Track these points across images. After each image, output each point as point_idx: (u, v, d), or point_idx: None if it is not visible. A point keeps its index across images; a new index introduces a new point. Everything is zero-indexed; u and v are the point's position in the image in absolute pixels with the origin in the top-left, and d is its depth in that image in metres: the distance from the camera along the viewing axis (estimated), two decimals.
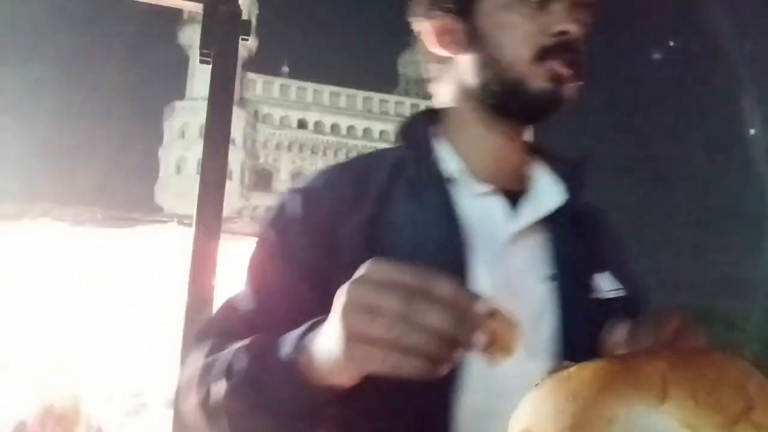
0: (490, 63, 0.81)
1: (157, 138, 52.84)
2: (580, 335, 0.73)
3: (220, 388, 0.65)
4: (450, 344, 0.47)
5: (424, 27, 0.87)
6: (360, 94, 51.58)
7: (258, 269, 0.80)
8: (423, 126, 0.87)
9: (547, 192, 0.82)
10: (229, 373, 0.64)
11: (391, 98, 54.04)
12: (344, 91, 50.43)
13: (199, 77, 44.79)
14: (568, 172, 0.84)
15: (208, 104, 2.32)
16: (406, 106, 53.37)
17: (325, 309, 0.59)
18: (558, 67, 0.78)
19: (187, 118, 47.69)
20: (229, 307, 0.79)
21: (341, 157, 49.10)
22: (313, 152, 49.61)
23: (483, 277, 0.73)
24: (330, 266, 0.73)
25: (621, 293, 0.80)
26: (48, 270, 5.11)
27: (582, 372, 0.42)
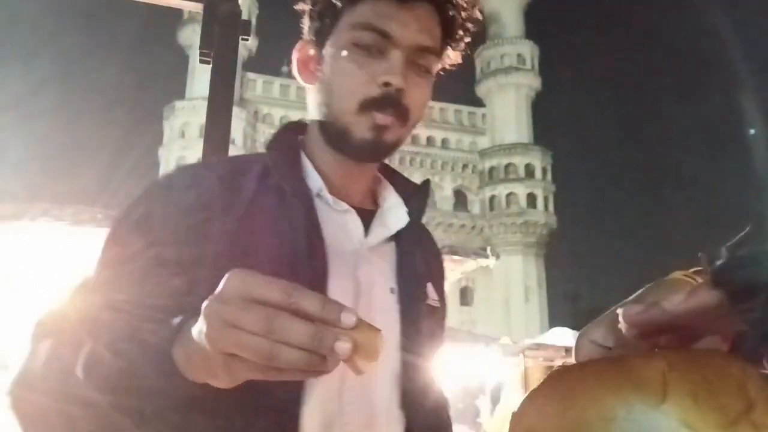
0: (325, 104, 0.86)
1: (157, 137, 52.93)
2: (417, 342, 0.84)
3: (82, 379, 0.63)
4: (317, 357, 0.49)
5: (296, 50, 0.91)
6: None
7: (115, 260, 0.78)
8: (291, 138, 0.92)
9: (394, 213, 0.91)
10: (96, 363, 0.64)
11: None
12: None
13: (199, 77, 44.82)
14: (411, 196, 0.94)
15: (208, 104, 2.32)
16: None
17: (194, 300, 0.63)
18: (378, 118, 0.82)
19: (187, 117, 47.77)
20: (83, 298, 0.77)
21: None
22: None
23: (338, 288, 0.79)
24: (195, 263, 0.75)
25: (437, 304, 0.92)
26: (48, 270, 5.10)
27: (582, 372, 0.43)
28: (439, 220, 50.66)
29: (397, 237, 0.90)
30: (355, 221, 0.87)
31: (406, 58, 0.83)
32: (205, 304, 0.52)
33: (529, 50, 54.98)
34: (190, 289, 0.73)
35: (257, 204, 0.82)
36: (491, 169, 52.15)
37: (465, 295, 48.57)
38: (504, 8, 55.65)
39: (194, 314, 0.57)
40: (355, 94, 0.82)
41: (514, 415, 0.44)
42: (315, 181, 0.87)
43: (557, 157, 54.03)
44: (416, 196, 0.95)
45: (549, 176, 52.28)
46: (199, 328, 0.53)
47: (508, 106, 53.49)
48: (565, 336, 12.67)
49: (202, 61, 2.41)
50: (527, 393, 0.44)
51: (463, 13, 0.89)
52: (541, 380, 0.44)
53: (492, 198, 51.87)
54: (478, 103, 55.62)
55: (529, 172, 51.32)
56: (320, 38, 0.88)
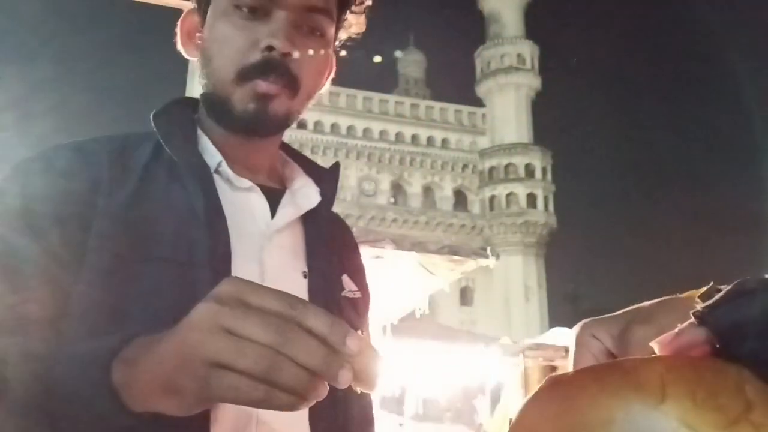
0: (205, 75, 0.79)
1: None
2: None
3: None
4: (319, 380, 0.44)
5: (180, 21, 0.85)
6: (360, 94, 51.62)
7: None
8: (182, 112, 0.84)
9: (304, 193, 0.84)
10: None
11: (391, 98, 54.01)
12: (344, 91, 50.44)
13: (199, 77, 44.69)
14: (321, 178, 0.88)
15: None
16: (406, 106, 53.39)
17: (81, 287, 0.59)
18: (260, 85, 0.74)
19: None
20: None
21: (341, 157, 49.33)
22: (312, 152, 49.61)
23: (242, 270, 0.71)
24: (81, 250, 0.67)
25: (358, 295, 0.86)
26: None
27: (581, 375, 0.43)
28: (439, 220, 50.66)
29: (306, 220, 0.83)
30: (259, 199, 0.80)
31: (292, 19, 0.75)
32: (197, 306, 0.46)
33: (529, 50, 54.95)
34: (75, 280, 0.66)
35: (149, 180, 0.75)
36: (491, 169, 52.12)
37: (465, 295, 48.57)
38: (504, 8, 55.63)
39: (123, 323, 0.53)
40: (234, 60, 0.75)
41: (512, 419, 0.44)
42: (213, 156, 0.79)
43: (557, 157, 54.04)
44: (326, 178, 0.88)
45: (549, 176, 52.26)
46: (182, 334, 0.46)
47: (508, 106, 53.46)
48: (565, 336, 12.66)
49: None
50: (526, 396, 0.43)
51: None
52: (541, 381, 0.44)
53: (492, 198, 51.85)
54: (478, 103, 55.61)
55: (529, 172, 51.30)
56: (201, 5, 0.81)
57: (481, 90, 55.47)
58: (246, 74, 0.75)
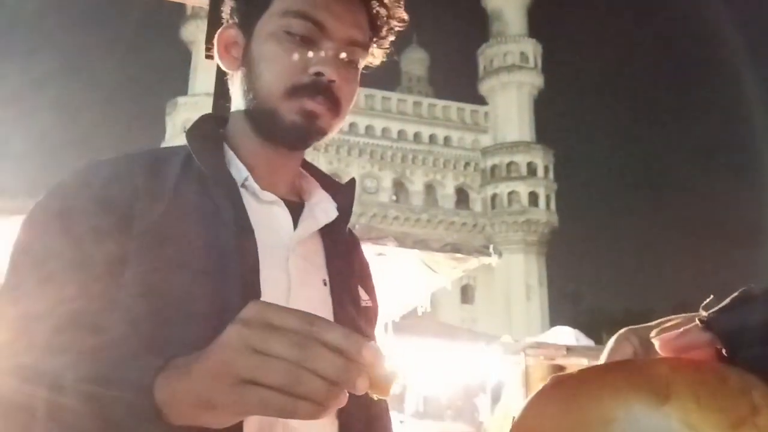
0: (252, 89, 0.84)
1: (160, 133, 52.92)
2: None
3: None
4: (338, 389, 0.48)
5: (218, 35, 0.89)
6: (363, 92, 51.42)
7: (32, 260, 0.73)
8: (212, 129, 0.89)
9: (322, 207, 0.90)
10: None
11: (394, 95, 54.03)
12: None
13: (202, 73, 44.79)
14: (338, 192, 0.93)
15: (214, 100, 2.31)
16: (408, 103, 53.39)
17: (114, 298, 0.65)
18: (308, 104, 0.81)
19: (189, 113, 47.66)
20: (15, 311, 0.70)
21: (343, 154, 49.39)
22: (314, 149, 49.40)
23: (270, 280, 0.77)
24: (119, 261, 0.72)
25: (369, 304, 0.92)
26: None
27: (584, 374, 0.43)
28: (440, 218, 50.65)
29: (324, 233, 0.89)
30: (283, 212, 0.85)
31: (338, 49, 0.82)
32: (228, 327, 0.51)
33: (532, 48, 54.91)
34: (117, 291, 0.70)
35: (181, 194, 0.79)
36: (493, 167, 52.11)
37: (466, 293, 48.60)
38: (507, 6, 55.57)
39: (167, 345, 0.56)
40: (284, 79, 0.81)
41: (515, 418, 0.44)
42: (240, 170, 0.84)
43: (559, 156, 54.06)
44: (342, 193, 0.94)
45: (551, 175, 52.25)
46: (214, 354, 0.52)
47: (510, 104, 53.43)
48: (566, 334, 12.65)
49: (207, 57, 2.39)
50: (528, 396, 0.44)
51: (390, 11, 0.88)
52: (542, 379, 0.45)
53: (494, 196, 51.85)
54: (481, 101, 55.58)
55: (531, 170, 51.29)
56: (247, 23, 0.86)
57: (484, 88, 55.43)
58: (295, 92, 0.81)
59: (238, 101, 0.88)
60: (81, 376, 0.60)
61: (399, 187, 51.44)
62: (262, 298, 0.73)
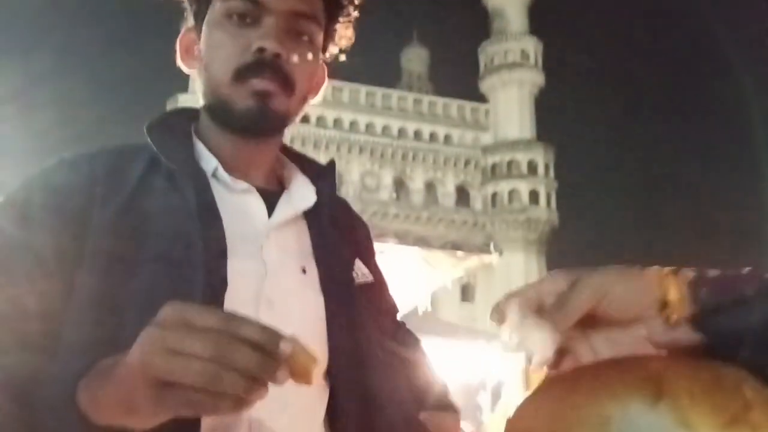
0: (205, 82, 0.85)
1: None
2: (340, 318, 0.81)
3: None
4: (257, 383, 0.49)
5: (178, 41, 0.90)
6: (362, 89, 51.52)
7: None
8: (179, 122, 0.89)
9: (301, 193, 0.88)
10: None
11: (394, 93, 53.93)
12: (347, 86, 50.35)
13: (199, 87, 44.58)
14: (318, 176, 0.91)
15: None
16: (408, 101, 53.31)
17: (72, 299, 0.67)
18: (257, 83, 0.79)
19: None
20: None
21: (344, 152, 49.33)
22: (315, 147, 49.60)
23: (240, 269, 0.76)
24: (74, 259, 0.73)
25: (370, 279, 0.90)
26: None
27: (578, 373, 0.43)
28: (441, 217, 50.63)
29: (310, 218, 0.87)
30: (257, 201, 0.84)
31: (281, 24, 0.80)
32: (143, 332, 0.51)
33: (532, 46, 54.83)
34: (68, 292, 0.72)
35: (144, 188, 0.79)
36: (494, 166, 52.08)
37: (466, 292, 48.58)
38: (508, 4, 55.49)
39: (94, 350, 0.57)
40: (229, 62, 0.80)
41: (510, 417, 0.44)
42: (209, 161, 0.84)
43: (560, 154, 53.98)
44: (323, 175, 0.93)
45: (552, 173, 52.21)
46: (132, 357, 0.52)
47: (511, 102, 53.37)
48: None
49: None
50: (524, 395, 0.44)
51: None
52: (541, 379, 0.44)
53: (494, 194, 51.81)
54: (481, 99, 55.51)
55: (532, 168, 51.25)
56: (198, 20, 0.86)
57: (485, 86, 55.36)
58: (241, 74, 0.79)
59: (201, 96, 0.87)
60: (11, 374, 0.61)
61: (399, 185, 51.39)
62: (230, 288, 0.74)
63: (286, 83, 0.80)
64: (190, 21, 0.88)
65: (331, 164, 0.96)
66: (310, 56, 0.84)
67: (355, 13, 0.90)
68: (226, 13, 0.81)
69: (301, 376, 0.50)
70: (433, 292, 7.96)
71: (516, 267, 49.33)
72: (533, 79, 54.24)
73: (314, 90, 0.90)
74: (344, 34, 0.91)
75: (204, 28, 0.84)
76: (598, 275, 0.49)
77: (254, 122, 0.81)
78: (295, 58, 0.81)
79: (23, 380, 0.61)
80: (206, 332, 0.49)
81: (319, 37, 0.86)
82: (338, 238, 0.89)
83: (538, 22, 59.72)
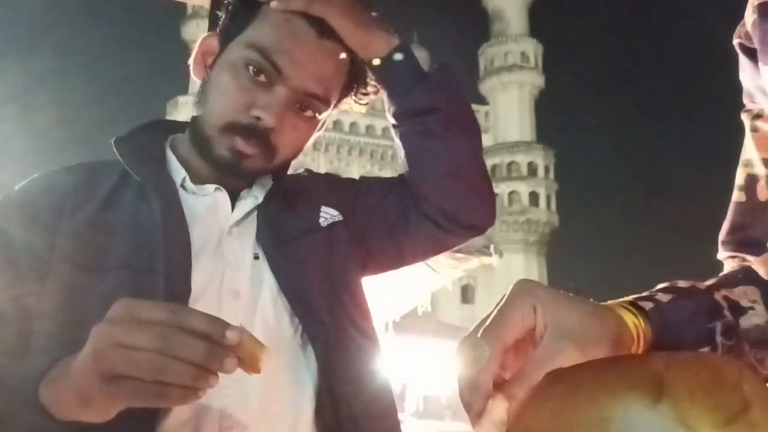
0: (200, 107, 0.85)
1: None
2: (292, 291, 0.82)
3: None
4: (205, 372, 0.50)
5: (201, 39, 0.90)
6: None
7: None
8: (151, 137, 0.91)
9: (260, 183, 0.90)
10: None
11: None
12: None
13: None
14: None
15: None
16: None
17: (41, 304, 0.71)
18: (239, 143, 0.81)
19: (190, 113, 46.48)
20: None
21: (344, 154, 49.31)
22: (314, 148, 49.56)
23: (203, 271, 0.79)
24: (45, 261, 0.76)
25: (338, 218, 0.90)
26: None
27: (579, 372, 0.43)
28: None
29: (264, 206, 0.88)
30: (223, 197, 0.86)
31: (290, 98, 0.81)
32: (94, 328, 0.53)
33: (532, 48, 54.82)
34: (38, 297, 0.75)
35: (113, 201, 0.82)
36: (494, 167, 52.02)
37: (466, 293, 48.58)
38: (508, 6, 55.49)
39: (53, 349, 0.61)
40: (224, 113, 0.81)
41: (509, 415, 0.44)
42: (178, 172, 0.86)
43: (560, 156, 53.97)
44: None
45: (551, 175, 52.19)
46: (85, 353, 0.54)
47: (511, 104, 53.36)
48: None
49: None
50: (524, 394, 0.44)
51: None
52: (540, 379, 0.44)
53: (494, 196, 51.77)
54: (481, 101, 55.49)
55: (532, 170, 51.24)
56: (225, 40, 0.86)
57: (485, 88, 55.34)
58: (231, 129, 0.81)
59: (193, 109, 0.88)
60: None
61: None
62: (194, 290, 0.76)
63: (268, 152, 0.83)
64: (219, 29, 0.88)
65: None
66: (305, 129, 0.86)
67: (372, 96, 0.93)
68: (246, 62, 0.81)
69: (250, 364, 0.51)
70: (433, 294, 7.96)
71: (516, 268, 49.31)
72: (533, 80, 54.22)
73: (302, 148, 0.90)
74: (355, 108, 0.94)
75: (223, 56, 0.85)
76: (557, 333, 0.47)
77: (224, 170, 0.84)
78: (288, 131, 0.83)
79: None
80: (153, 325, 0.50)
81: (325, 113, 0.87)
82: (294, 210, 0.89)
83: (538, 23, 59.82)
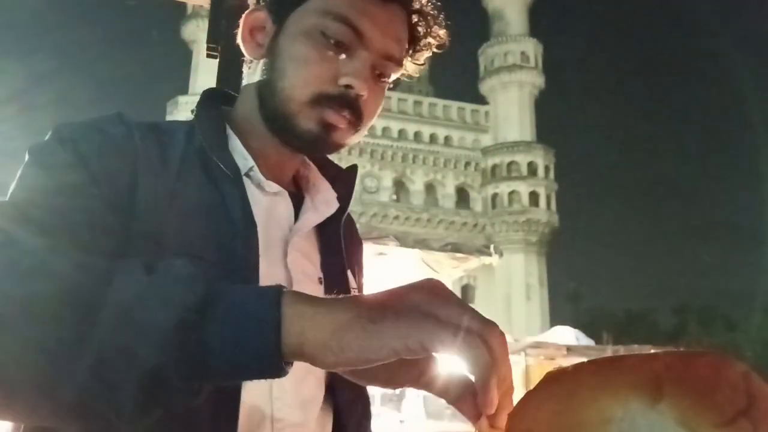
0: (272, 85, 0.79)
1: None
2: None
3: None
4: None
5: (245, 16, 0.84)
6: None
7: (42, 187, 0.69)
8: (217, 112, 0.85)
9: (323, 198, 0.86)
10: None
11: (394, 95, 53.86)
12: None
13: (203, 72, 44.69)
14: (337, 179, 0.90)
15: None
16: (409, 103, 53.32)
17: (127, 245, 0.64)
18: (330, 115, 0.77)
19: (189, 113, 47.48)
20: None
21: (344, 154, 49.21)
22: None
23: (270, 277, 0.74)
24: (126, 219, 0.69)
25: (358, 292, 0.89)
26: None
27: (579, 372, 0.43)
28: (441, 218, 50.62)
29: (320, 225, 0.85)
30: (286, 204, 0.82)
31: (371, 63, 0.78)
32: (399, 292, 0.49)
33: (533, 48, 54.85)
34: (119, 252, 0.66)
35: (186, 175, 0.75)
36: (494, 167, 52.07)
37: (466, 293, 48.57)
38: (508, 6, 55.52)
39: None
40: (311, 85, 0.76)
41: (510, 415, 0.44)
42: (245, 160, 0.80)
43: (560, 156, 54.00)
44: (343, 180, 0.91)
45: (551, 174, 52.20)
46: (396, 291, 0.49)
47: (511, 103, 53.39)
48: (566, 334, 12.66)
49: (209, 56, 2.38)
50: (524, 394, 0.44)
51: (430, 27, 0.84)
52: (541, 378, 0.44)
53: (494, 196, 51.81)
54: (482, 100, 55.54)
55: (532, 170, 51.25)
56: (280, 10, 0.81)
57: (485, 88, 55.38)
58: (320, 101, 0.76)
59: (251, 91, 0.83)
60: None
61: (399, 186, 51.39)
62: None
63: (357, 121, 0.79)
64: (265, 2, 0.83)
65: (353, 169, 0.94)
66: (381, 96, 0.83)
67: (428, 55, 0.88)
68: (322, 30, 0.77)
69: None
70: None
71: (516, 268, 49.33)
72: (533, 80, 54.24)
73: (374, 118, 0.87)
74: (411, 71, 0.88)
75: (289, 28, 0.79)
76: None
77: (311, 145, 0.80)
78: (371, 98, 0.80)
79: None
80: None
81: (393, 77, 0.84)
82: (342, 248, 0.88)
83: (538, 23, 59.82)
